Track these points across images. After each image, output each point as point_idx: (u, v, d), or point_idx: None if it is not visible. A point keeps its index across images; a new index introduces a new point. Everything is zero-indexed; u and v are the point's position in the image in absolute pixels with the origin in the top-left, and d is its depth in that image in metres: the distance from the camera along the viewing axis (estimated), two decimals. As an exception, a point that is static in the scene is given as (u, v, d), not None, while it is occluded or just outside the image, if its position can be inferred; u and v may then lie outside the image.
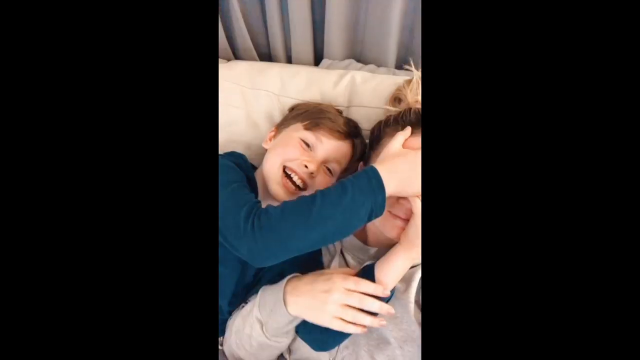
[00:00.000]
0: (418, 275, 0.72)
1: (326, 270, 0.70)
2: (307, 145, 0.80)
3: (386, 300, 0.66)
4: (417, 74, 0.89)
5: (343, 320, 0.62)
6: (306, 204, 0.59)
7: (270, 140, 0.86)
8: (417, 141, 0.71)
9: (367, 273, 0.67)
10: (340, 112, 0.91)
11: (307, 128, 0.81)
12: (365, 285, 0.64)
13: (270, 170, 0.79)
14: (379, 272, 0.66)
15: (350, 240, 0.83)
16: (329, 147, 0.81)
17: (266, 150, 0.85)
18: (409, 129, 0.71)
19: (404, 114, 0.78)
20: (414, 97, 0.87)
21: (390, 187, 0.61)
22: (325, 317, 0.62)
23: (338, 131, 0.82)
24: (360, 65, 1.05)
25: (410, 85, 0.88)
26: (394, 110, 0.84)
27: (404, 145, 0.69)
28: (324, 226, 0.58)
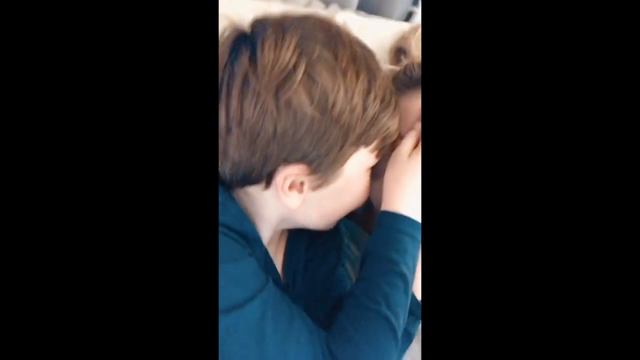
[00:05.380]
0: None
1: None
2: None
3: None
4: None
5: None
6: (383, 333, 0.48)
7: (299, 190, 0.49)
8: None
9: None
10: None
11: (379, 154, 0.53)
12: None
13: (326, 223, 0.57)
14: None
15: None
16: None
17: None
18: (419, 130, 0.55)
19: (408, 70, 0.63)
20: (420, 49, 0.72)
21: (420, 212, 0.52)
22: None
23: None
24: (322, 5, 0.84)
25: (417, 33, 0.73)
26: (395, 69, 0.68)
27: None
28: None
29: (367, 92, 0.48)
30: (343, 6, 0.81)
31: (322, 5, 0.82)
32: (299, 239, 0.63)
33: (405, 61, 0.70)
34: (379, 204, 0.57)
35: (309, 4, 0.82)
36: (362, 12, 0.83)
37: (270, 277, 0.49)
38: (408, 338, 0.54)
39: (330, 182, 0.50)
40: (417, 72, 0.61)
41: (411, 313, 0.52)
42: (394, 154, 0.53)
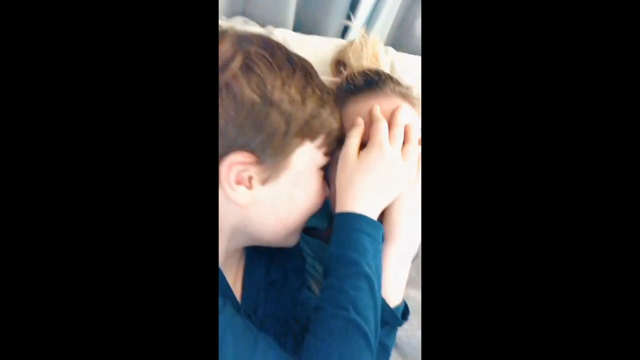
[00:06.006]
0: None
1: None
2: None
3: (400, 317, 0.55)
4: (361, 33, 0.77)
5: None
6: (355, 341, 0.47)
7: (248, 186, 0.49)
8: (367, 106, 0.58)
9: None
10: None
11: (327, 152, 0.55)
12: None
13: (285, 231, 0.55)
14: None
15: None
16: None
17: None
18: (360, 124, 0.57)
19: (350, 78, 0.65)
20: (358, 60, 0.75)
21: (376, 211, 0.52)
22: None
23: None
24: (256, 24, 0.85)
25: (353, 46, 0.76)
26: (336, 80, 0.71)
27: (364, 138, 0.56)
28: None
29: (304, 87, 0.50)
30: (278, 27, 0.83)
31: (257, 25, 0.84)
32: (258, 263, 0.61)
33: (345, 72, 0.72)
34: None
35: (245, 24, 0.83)
36: (297, 33, 0.85)
37: (229, 302, 0.47)
38: (384, 350, 0.53)
39: (279, 174, 0.50)
40: (359, 80, 0.64)
41: (385, 322, 0.51)
42: (342, 155, 0.54)
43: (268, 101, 0.47)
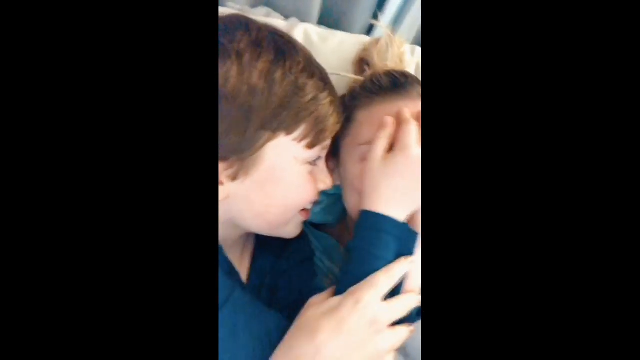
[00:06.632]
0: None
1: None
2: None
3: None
4: (387, 33, 0.75)
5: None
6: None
7: (230, 178, 0.48)
8: (393, 107, 0.56)
9: None
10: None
11: (310, 145, 0.50)
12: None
13: (267, 225, 0.54)
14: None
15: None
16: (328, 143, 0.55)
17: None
18: (389, 125, 0.53)
19: (375, 78, 0.63)
20: (383, 60, 0.73)
21: (403, 214, 0.49)
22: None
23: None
24: (279, 16, 0.82)
25: (378, 45, 0.74)
26: (359, 78, 0.68)
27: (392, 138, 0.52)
28: None
29: (271, 72, 0.45)
30: (303, 19, 0.81)
31: (281, 17, 0.82)
32: (267, 251, 0.61)
33: (369, 71, 0.70)
34: (354, 213, 0.56)
35: (267, 15, 0.81)
36: (322, 26, 0.83)
37: (237, 284, 0.48)
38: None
39: (248, 170, 0.47)
40: (385, 80, 0.62)
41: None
42: (369, 157, 0.52)
43: (221, 95, 0.43)
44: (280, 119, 0.46)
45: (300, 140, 0.49)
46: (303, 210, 0.55)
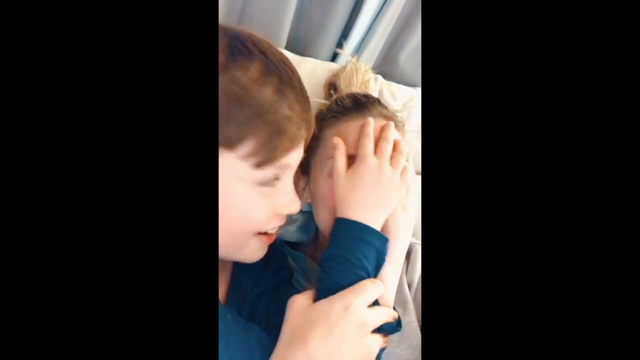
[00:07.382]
0: (412, 294, 0.66)
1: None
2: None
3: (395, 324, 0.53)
4: (352, 61, 0.82)
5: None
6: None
7: None
8: (355, 126, 0.60)
9: None
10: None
11: (257, 164, 0.44)
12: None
13: (224, 246, 0.48)
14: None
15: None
16: (297, 157, 0.50)
17: None
18: (337, 145, 0.57)
19: (339, 100, 0.69)
20: (348, 86, 0.79)
21: (377, 223, 0.51)
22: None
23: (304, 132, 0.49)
24: None
25: (344, 71, 0.81)
26: (326, 102, 0.74)
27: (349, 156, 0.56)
28: None
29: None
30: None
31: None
32: (245, 275, 0.61)
33: (335, 95, 0.76)
34: (326, 229, 0.59)
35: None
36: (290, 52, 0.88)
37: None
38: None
39: None
40: (347, 102, 0.68)
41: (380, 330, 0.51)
42: (334, 174, 0.55)
43: None
44: (221, 132, 0.41)
45: (246, 158, 0.43)
46: (263, 233, 0.51)
